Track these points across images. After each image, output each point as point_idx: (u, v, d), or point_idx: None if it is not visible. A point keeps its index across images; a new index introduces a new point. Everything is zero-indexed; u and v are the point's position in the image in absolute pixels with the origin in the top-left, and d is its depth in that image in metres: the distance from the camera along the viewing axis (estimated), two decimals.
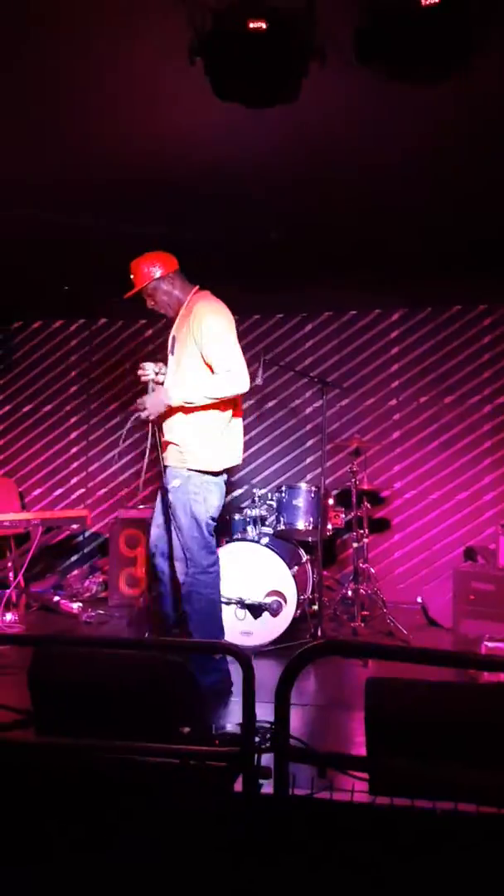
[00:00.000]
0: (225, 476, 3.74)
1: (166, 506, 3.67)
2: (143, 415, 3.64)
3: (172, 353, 3.71)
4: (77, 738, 2.44)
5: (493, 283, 5.76)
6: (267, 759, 2.09)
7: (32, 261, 5.57)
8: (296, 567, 4.80)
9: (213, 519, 3.69)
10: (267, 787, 2.10)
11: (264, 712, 2.84)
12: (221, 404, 3.60)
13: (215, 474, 3.66)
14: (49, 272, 5.84)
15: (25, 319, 6.89)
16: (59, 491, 6.81)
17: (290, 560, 4.73)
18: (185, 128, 3.46)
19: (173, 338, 3.73)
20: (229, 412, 3.69)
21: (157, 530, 3.78)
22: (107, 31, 2.69)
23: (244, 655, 2.13)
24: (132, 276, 3.78)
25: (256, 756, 2.08)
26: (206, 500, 3.64)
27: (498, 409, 6.00)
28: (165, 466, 3.72)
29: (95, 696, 2.67)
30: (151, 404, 3.60)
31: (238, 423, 3.77)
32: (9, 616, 5.07)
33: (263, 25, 2.09)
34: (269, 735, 2.58)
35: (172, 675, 2.71)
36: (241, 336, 6.19)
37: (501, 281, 5.77)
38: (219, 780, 2.29)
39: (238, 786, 2.26)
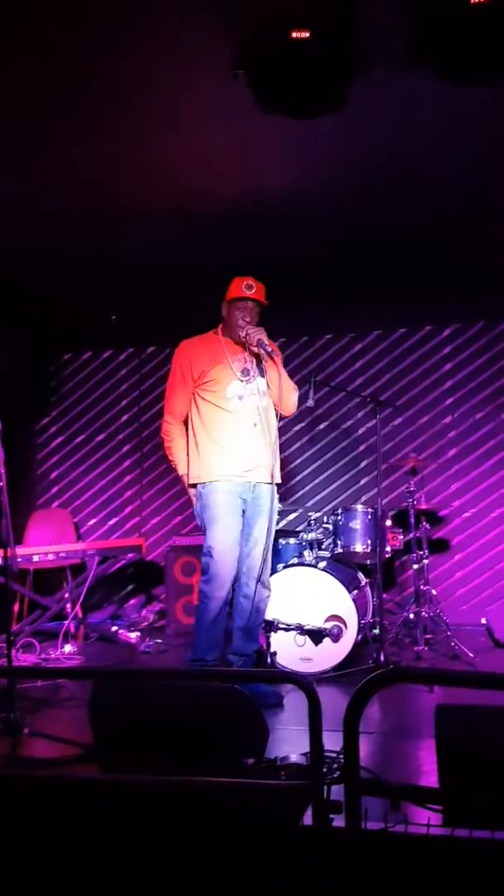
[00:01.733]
0: None
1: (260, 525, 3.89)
2: None
3: (263, 376, 3.96)
4: (139, 772, 2.39)
5: None
6: (336, 791, 2.01)
7: (80, 291, 5.65)
8: (355, 591, 4.69)
9: None
10: (337, 820, 2.01)
11: (328, 741, 2.75)
12: None
13: None
14: (97, 302, 5.92)
15: (75, 350, 6.97)
16: (114, 520, 6.82)
17: (350, 584, 4.63)
18: (226, 147, 3.46)
19: (258, 361, 3.95)
20: None
21: (238, 551, 3.90)
22: (148, 49, 2.70)
23: (307, 683, 2.06)
24: (259, 290, 3.94)
25: (326, 788, 2.00)
26: None
27: None
28: (273, 484, 3.94)
29: (156, 729, 2.63)
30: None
31: None
32: (68, 647, 5.06)
33: (306, 34, 2.07)
34: (336, 765, 2.49)
35: (234, 705, 2.65)
36: (291, 358, 6.22)
37: None
38: (287, 814, 2.22)
39: (307, 819, 2.19)
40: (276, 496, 3.96)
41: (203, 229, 4.50)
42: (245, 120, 2.58)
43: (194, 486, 4.01)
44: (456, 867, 2.00)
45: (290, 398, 4.00)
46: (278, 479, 3.97)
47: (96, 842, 2.32)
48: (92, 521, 6.86)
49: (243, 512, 3.90)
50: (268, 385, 3.94)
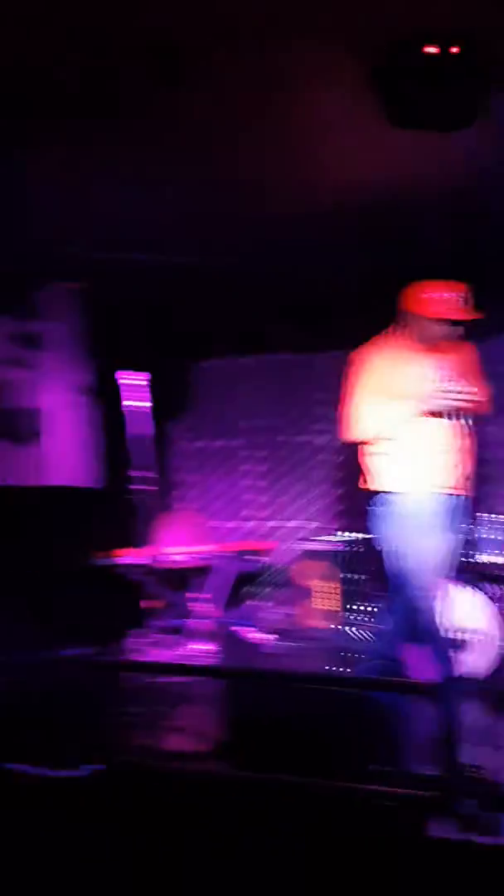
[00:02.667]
0: None
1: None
2: None
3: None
4: (270, 772, 2.45)
5: None
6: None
7: (212, 299, 5.81)
8: (498, 603, 4.61)
9: None
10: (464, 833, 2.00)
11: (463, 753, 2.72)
12: None
13: None
14: (230, 308, 6.06)
15: (211, 356, 7.16)
16: (247, 524, 6.95)
17: (493, 596, 4.56)
18: (358, 158, 3.50)
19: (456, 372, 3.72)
20: None
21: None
22: (284, 67, 2.77)
23: (444, 696, 2.06)
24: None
25: (460, 802, 2.00)
26: None
27: None
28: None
29: (288, 730, 2.69)
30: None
31: None
32: (201, 646, 5.22)
33: (439, 50, 2.07)
34: (469, 778, 2.47)
35: (364, 712, 2.68)
36: None
37: None
38: (415, 826, 2.22)
39: (435, 831, 2.18)
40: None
41: (341, 240, 4.55)
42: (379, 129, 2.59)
43: None
44: None
45: None
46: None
47: (224, 835, 2.40)
48: (225, 525, 7.02)
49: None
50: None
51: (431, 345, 3.71)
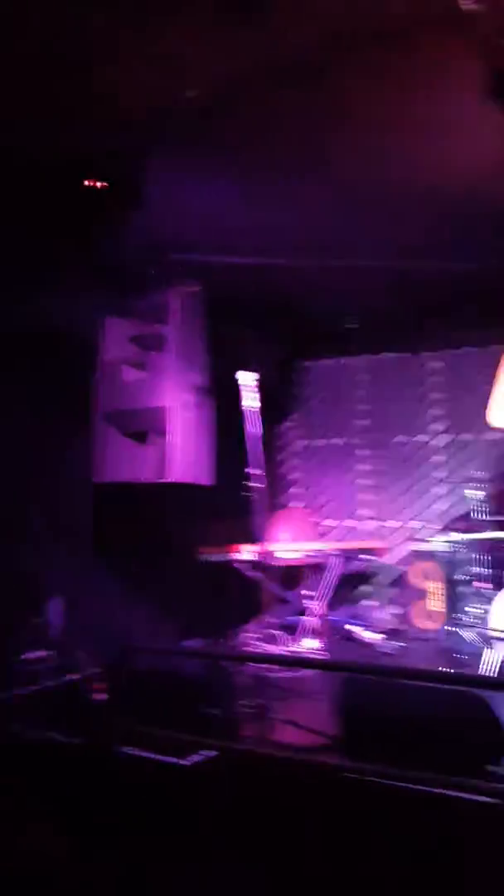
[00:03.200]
0: None
1: None
2: None
3: None
4: (384, 767, 2.48)
5: None
6: None
7: (320, 301, 5.88)
8: None
9: None
10: None
11: None
12: None
13: None
14: (337, 311, 6.12)
15: (315, 357, 7.24)
16: (352, 523, 7.00)
17: None
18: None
19: None
20: None
21: None
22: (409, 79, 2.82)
23: None
24: None
25: None
26: None
27: None
28: None
29: (402, 728, 2.72)
30: None
31: None
32: (311, 642, 5.30)
33: None
34: None
35: (479, 711, 2.68)
36: None
37: None
38: None
39: None
40: None
41: (452, 237, 4.53)
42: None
43: None
44: None
45: None
46: None
47: (337, 828, 2.45)
48: (332, 524, 7.09)
49: None
50: None
51: None
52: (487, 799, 2.25)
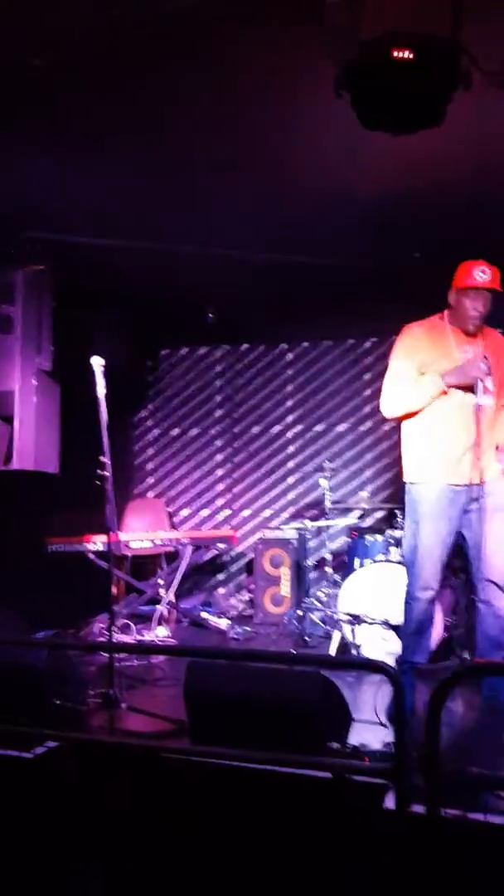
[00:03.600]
0: None
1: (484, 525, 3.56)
2: None
3: (490, 374, 3.59)
4: (229, 748, 2.52)
5: None
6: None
7: (178, 290, 5.86)
8: (442, 588, 4.75)
9: None
10: (416, 806, 2.11)
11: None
12: None
13: None
14: (196, 300, 6.12)
15: (172, 347, 7.23)
16: (206, 512, 7.06)
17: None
18: (326, 157, 3.59)
19: (487, 359, 3.57)
20: None
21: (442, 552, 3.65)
22: (254, 67, 2.85)
23: (394, 673, 2.18)
24: (495, 278, 3.60)
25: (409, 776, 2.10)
26: None
27: None
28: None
29: (246, 709, 2.78)
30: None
31: None
32: (162, 630, 5.31)
33: (408, 55, 2.16)
34: (416, 754, 2.60)
35: (321, 690, 2.78)
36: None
37: None
38: (368, 797, 2.34)
39: (387, 804, 2.29)
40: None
41: (307, 235, 4.64)
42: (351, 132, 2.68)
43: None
44: None
45: None
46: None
47: (185, 809, 2.48)
48: (184, 512, 7.12)
49: (464, 512, 3.60)
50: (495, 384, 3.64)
51: (468, 328, 3.62)
52: (327, 774, 2.34)
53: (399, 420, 3.72)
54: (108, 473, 3.83)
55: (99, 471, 3.82)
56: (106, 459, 3.83)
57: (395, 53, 2.25)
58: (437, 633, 4.42)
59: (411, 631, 3.73)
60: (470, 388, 3.52)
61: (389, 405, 3.68)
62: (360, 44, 2.32)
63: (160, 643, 5.16)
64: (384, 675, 2.14)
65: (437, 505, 3.59)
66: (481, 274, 3.51)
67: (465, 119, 2.61)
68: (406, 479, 3.72)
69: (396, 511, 5.21)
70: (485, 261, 3.54)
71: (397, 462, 6.27)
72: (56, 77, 2.99)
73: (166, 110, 3.29)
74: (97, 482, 3.84)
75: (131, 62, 2.91)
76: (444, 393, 3.54)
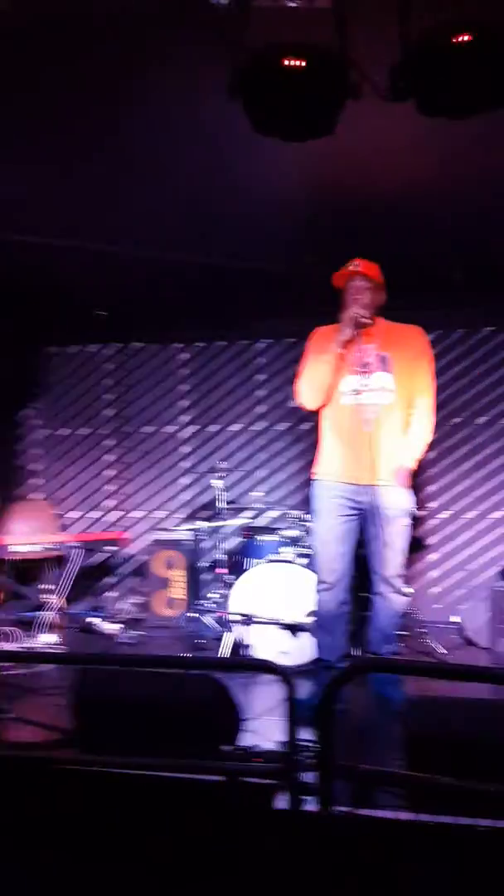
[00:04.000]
0: None
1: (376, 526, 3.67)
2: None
3: (387, 371, 3.68)
4: (119, 756, 2.47)
5: None
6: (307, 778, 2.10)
7: (68, 286, 5.72)
8: None
9: None
10: (311, 804, 2.11)
11: (299, 732, 2.84)
12: None
13: None
14: (86, 296, 5.99)
15: (61, 344, 7.04)
16: (96, 514, 6.90)
17: None
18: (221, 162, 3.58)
19: (384, 356, 3.70)
20: None
21: (343, 561, 3.74)
22: (147, 72, 2.81)
23: (286, 673, 2.17)
24: (364, 265, 3.76)
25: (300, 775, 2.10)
26: None
27: None
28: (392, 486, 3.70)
29: (136, 715, 2.72)
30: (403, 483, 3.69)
31: None
32: (49, 637, 5.14)
33: (299, 63, 2.17)
34: (308, 753, 2.60)
35: (210, 693, 2.75)
36: (279, 357, 6.35)
37: None
38: (261, 798, 2.32)
39: (279, 804, 2.29)
40: (402, 498, 3.74)
41: (208, 233, 4.62)
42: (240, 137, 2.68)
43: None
44: (420, 850, 2.12)
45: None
46: (402, 481, 3.73)
47: (75, 821, 2.40)
48: (74, 515, 6.94)
49: (358, 512, 3.70)
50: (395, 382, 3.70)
51: (360, 325, 3.69)
52: (221, 778, 2.31)
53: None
54: None
55: None
56: None
57: (286, 62, 2.26)
58: None
59: (316, 627, 3.81)
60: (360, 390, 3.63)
61: (301, 391, 3.80)
62: (251, 51, 2.32)
63: (48, 650, 5.00)
64: (274, 674, 2.13)
65: (331, 502, 3.70)
66: (353, 266, 3.71)
67: (355, 127, 2.65)
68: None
69: (289, 511, 5.26)
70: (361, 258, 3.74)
71: (291, 462, 6.39)
72: None
73: (66, 104, 3.20)
74: None
75: (31, 50, 2.80)
76: (339, 355, 3.65)
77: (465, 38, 1.96)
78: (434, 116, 2.28)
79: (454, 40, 1.98)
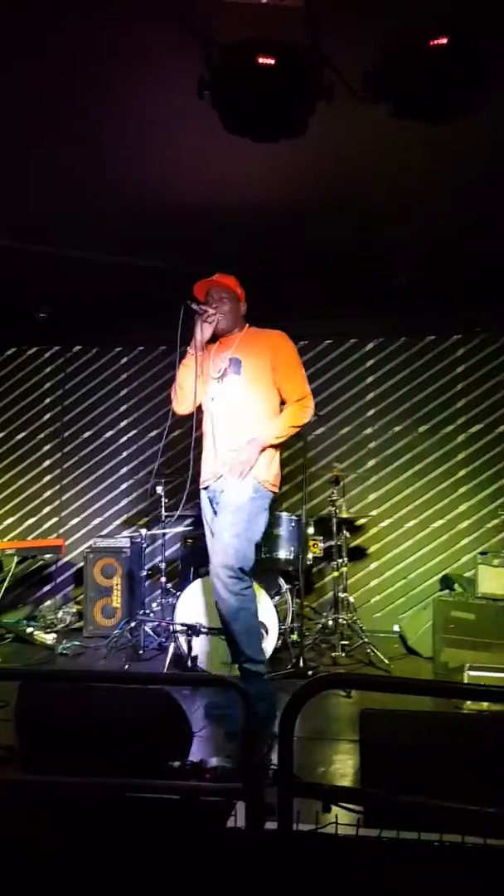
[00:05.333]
0: None
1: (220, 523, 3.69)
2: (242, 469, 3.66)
3: (238, 374, 3.79)
4: (66, 774, 2.37)
5: (465, 315, 5.93)
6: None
7: (5, 288, 5.56)
8: (276, 597, 4.78)
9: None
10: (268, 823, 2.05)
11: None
12: None
13: (275, 493, 3.83)
14: (23, 299, 5.83)
15: (0, 345, 6.84)
16: (32, 520, 6.71)
17: (271, 590, 4.71)
18: (189, 162, 3.52)
19: (236, 360, 3.80)
20: None
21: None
22: (118, 67, 2.72)
23: (244, 689, 2.11)
24: (219, 276, 3.86)
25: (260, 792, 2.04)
26: (266, 516, 3.76)
27: (471, 439, 6.07)
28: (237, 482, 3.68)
29: (83, 731, 2.62)
30: (245, 460, 3.66)
31: None
32: None
33: (272, 61, 2.13)
34: (261, 768, 2.55)
35: (159, 707, 2.67)
36: None
37: (473, 313, 5.93)
38: (214, 816, 2.26)
39: (231, 822, 2.23)
40: (245, 494, 3.65)
41: (159, 236, 4.56)
42: (210, 135, 2.62)
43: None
44: (382, 866, 2.09)
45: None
46: (256, 478, 3.68)
47: (19, 843, 2.30)
48: (9, 521, 6.73)
49: (213, 508, 3.79)
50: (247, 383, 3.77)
51: (225, 331, 3.86)
52: (171, 795, 2.24)
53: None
54: None
55: None
56: None
57: (260, 59, 2.21)
58: (271, 641, 4.45)
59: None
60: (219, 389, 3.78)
61: (172, 398, 3.90)
62: (224, 47, 2.26)
63: None
64: (236, 691, 2.07)
65: (202, 505, 3.86)
66: (210, 279, 3.84)
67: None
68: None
69: None
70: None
71: None
72: None
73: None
74: None
75: None
76: (201, 361, 3.80)
77: (442, 41, 1.95)
78: (409, 120, 2.26)
79: (431, 43, 1.97)
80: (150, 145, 3.39)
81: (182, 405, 3.88)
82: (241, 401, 3.74)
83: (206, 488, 3.82)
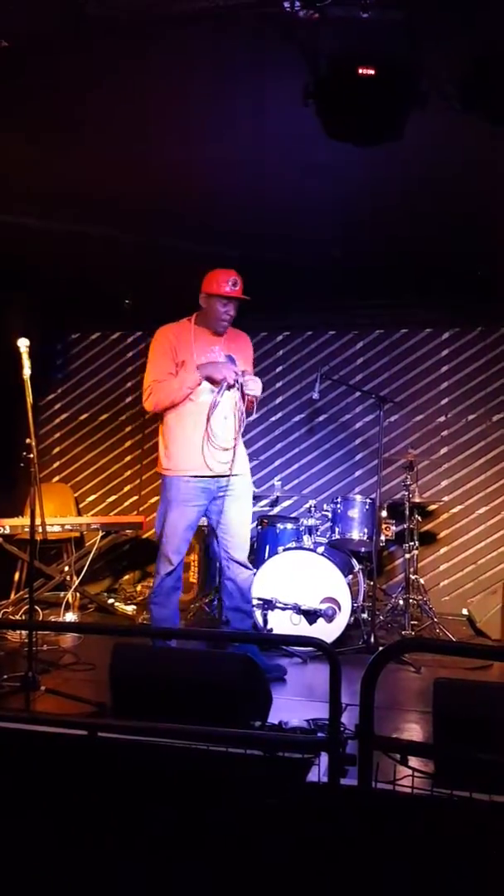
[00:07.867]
0: None
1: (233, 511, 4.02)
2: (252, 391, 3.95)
3: (236, 382, 4.01)
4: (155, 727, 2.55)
5: None
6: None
7: (93, 274, 5.82)
8: (349, 576, 4.94)
9: None
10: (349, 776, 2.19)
11: (320, 712, 2.96)
12: None
13: None
14: (111, 285, 6.08)
15: (83, 330, 7.14)
16: (113, 497, 7.03)
17: (345, 568, 4.87)
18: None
19: (230, 358, 4.06)
20: None
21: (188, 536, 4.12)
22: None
23: (331, 649, 2.28)
24: (241, 287, 4.01)
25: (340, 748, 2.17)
26: None
27: None
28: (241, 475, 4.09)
29: (170, 691, 2.83)
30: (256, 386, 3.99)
31: None
32: (69, 616, 5.27)
33: (373, 72, 2.28)
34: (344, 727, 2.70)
35: (245, 670, 2.86)
36: (297, 350, 6.50)
37: None
38: (296, 771, 2.43)
39: (312, 776, 2.39)
40: (251, 487, 4.21)
41: (252, 231, 4.78)
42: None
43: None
44: (452, 823, 2.22)
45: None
46: (245, 469, 4.14)
47: (116, 793, 2.50)
48: (91, 497, 7.06)
49: (213, 500, 4.01)
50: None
51: (219, 329, 4.03)
52: (256, 752, 2.41)
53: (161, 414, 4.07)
54: (33, 456, 3.80)
55: (25, 453, 3.79)
56: (31, 441, 3.80)
57: (361, 70, 2.37)
58: (343, 618, 4.63)
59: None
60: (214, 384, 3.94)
61: (154, 400, 4.00)
62: (328, 58, 2.42)
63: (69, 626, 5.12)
64: (323, 651, 2.24)
65: (182, 494, 3.96)
66: (232, 285, 3.94)
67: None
68: (159, 469, 4.08)
69: (309, 500, 5.38)
70: (234, 272, 3.97)
71: (306, 452, 6.50)
72: None
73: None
74: (21, 465, 3.81)
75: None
76: (199, 384, 3.93)
77: None
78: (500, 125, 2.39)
79: None
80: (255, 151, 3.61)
81: (163, 409, 4.03)
82: (237, 398, 3.99)
83: (194, 477, 3.96)
